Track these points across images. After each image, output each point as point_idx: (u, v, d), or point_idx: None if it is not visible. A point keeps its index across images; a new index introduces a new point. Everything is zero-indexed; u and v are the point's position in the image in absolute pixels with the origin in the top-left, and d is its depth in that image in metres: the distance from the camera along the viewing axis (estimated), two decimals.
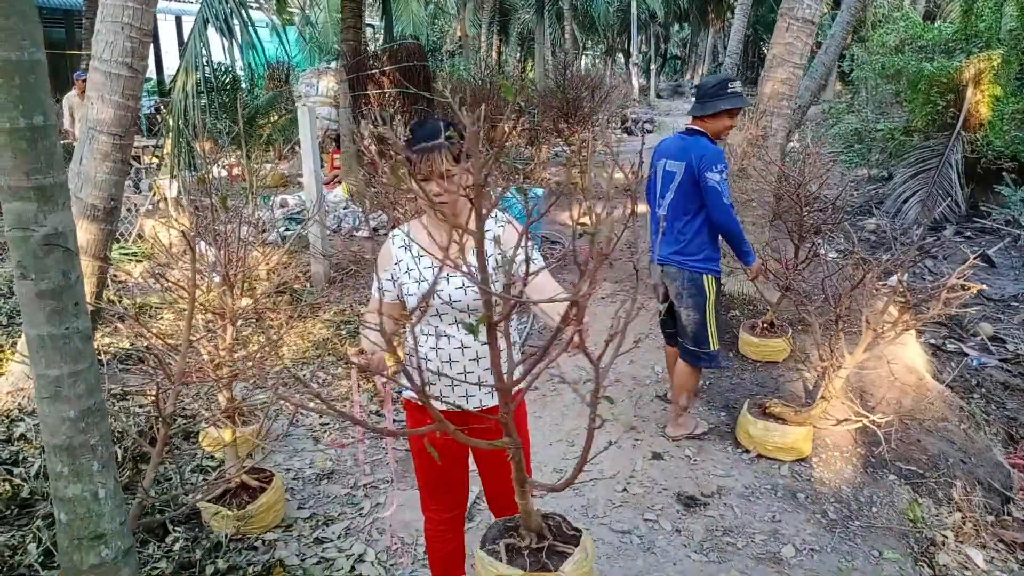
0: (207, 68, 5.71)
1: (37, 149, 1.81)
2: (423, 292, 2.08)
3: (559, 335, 1.59)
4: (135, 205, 7.47)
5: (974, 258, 3.50)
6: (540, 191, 8.13)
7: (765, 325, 5.00)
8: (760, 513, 3.44)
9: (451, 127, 2.06)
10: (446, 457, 2.27)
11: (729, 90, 3.72)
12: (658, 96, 32.25)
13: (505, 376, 1.62)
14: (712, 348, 3.86)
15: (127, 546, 2.10)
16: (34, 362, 1.93)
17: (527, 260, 1.56)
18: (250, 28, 5.81)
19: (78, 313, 1.93)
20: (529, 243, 2.11)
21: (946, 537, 3.43)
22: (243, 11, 5.70)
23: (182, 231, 2.72)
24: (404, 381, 2.38)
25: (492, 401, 2.25)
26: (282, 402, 4.23)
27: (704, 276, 3.78)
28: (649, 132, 18.12)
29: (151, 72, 17.69)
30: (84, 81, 9.84)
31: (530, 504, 1.83)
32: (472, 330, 1.40)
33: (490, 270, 2.12)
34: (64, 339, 1.91)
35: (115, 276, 5.84)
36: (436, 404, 2.13)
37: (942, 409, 4.42)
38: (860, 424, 3.69)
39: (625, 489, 3.62)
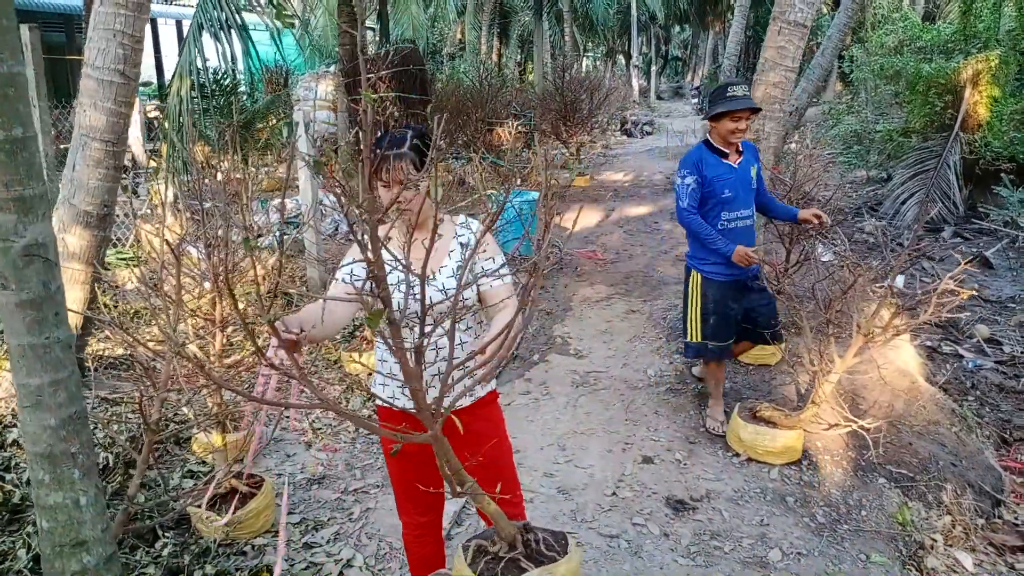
0: (202, 73, 5.73)
1: (16, 161, 1.82)
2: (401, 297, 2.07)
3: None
4: (132, 209, 7.50)
5: (966, 262, 3.50)
6: (534, 195, 8.14)
7: None
8: (748, 517, 3.44)
9: (421, 135, 2.11)
10: (418, 461, 2.29)
11: (728, 94, 3.82)
12: (658, 98, 32.29)
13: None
14: (688, 338, 4.16)
15: (109, 553, 2.11)
16: (15, 371, 1.95)
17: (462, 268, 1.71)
18: (245, 33, 5.83)
19: (59, 323, 1.95)
20: (499, 255, 2.18)
21: (935, 541, 3.44)
22: (238, 16, 5.71)
23: (166, 241, 2.74)
24: (377, 390, 2.39)
25: (467, 401, 2.26)
26: (272, 407, 4.25)
27: (691, 270, 4.08)
28: (648, 134, 18.13)
29: (152, 76, 17.75)
30: None
31: (494, 509, 1.83)
32: (370, 322, 1.40)
33: (452, 273, 2.18)
34: (45, 348, 1.93)
35: (112, 281, 5.87)
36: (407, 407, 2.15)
37: (934, 412, 4.42)
38: (850, 429, 3.69)
39: (614, 493, 3.63)
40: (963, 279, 3.38)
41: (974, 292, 3.81)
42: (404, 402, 2.23)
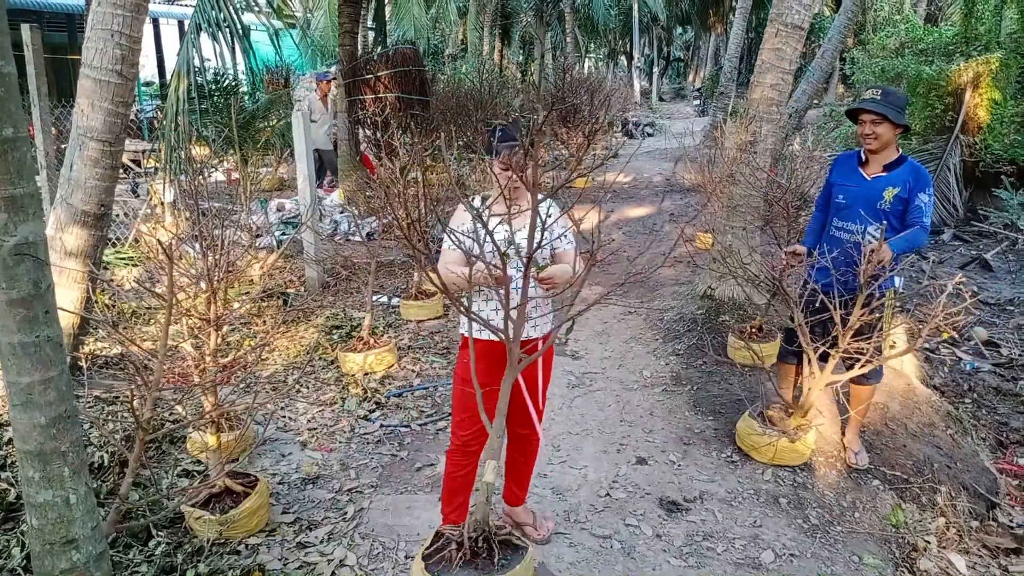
0: (200, 73, 5.74)
1: (7, 161, 1.83)
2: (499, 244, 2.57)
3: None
4: (132, 209, 7.52)
5: (971, 300, 3.36)
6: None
7: (754, 330, 5.00)
8: (741, 518, 3.45)
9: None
10: (485, 390, 2.68)
11: (860, 97, 3.86)
12: (660, 99, 32.28)
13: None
14: None
15: (99, 550, 2.12)
16: (5, 369, 1.96)
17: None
18: (244, 34, 5.84)
19: (49, 321, 1.96)
20: (568, 224, 2.92)
21: (928, 542, 3.44)
22: (237, 16, 5.73)
23: (159, 241, 2.75)
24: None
25: (536, 333, 2.89)
26: (268, 406, 4.26)
27: None
28: (650, 136, 18.13)
29: (154, 76, 17.79)
30: (327, 82, 10.30)
31: (481, 500, 1.96)
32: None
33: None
34: (35, 347, 1.94)
35: (110, 280, 5.88)
36: (493, 337, 2.71)
37: (929, 414, 4.42)
38: (840, 432, 3.69)
39: (608, 494, 3.63)
40: (961, 310, 3.29)
41: (954, 335, 3.77)
42: (489, 334, 2.76)
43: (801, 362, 3.96)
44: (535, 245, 2.35)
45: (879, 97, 3.62)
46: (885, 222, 3.57)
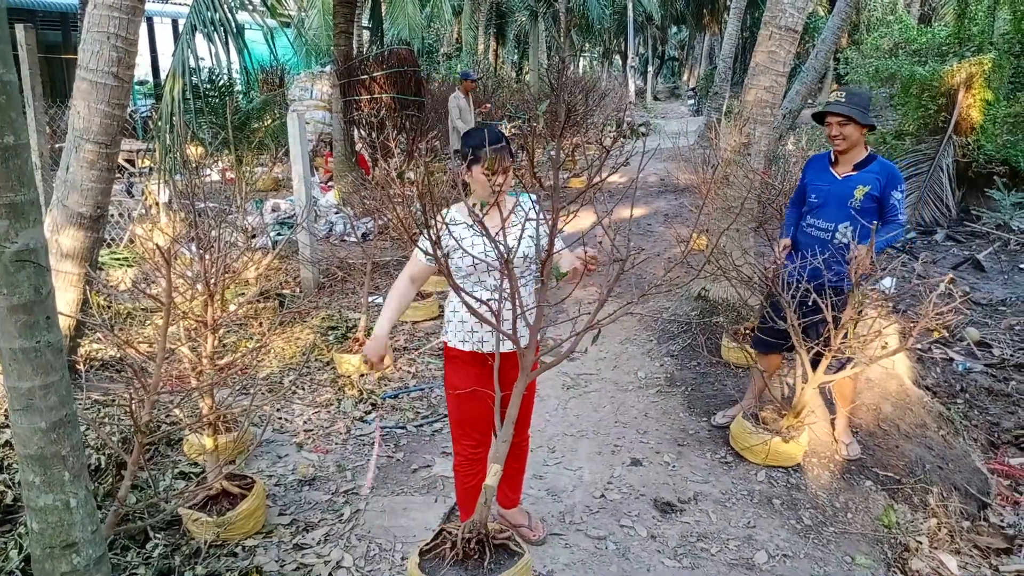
0: (195, 74, 5.74)
1: (8, 168, 1.85)
2: (486, 253, 2.66)
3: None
4: (128, 210, 7.51)
5: (962, 299, 3.42)
6: (532, 196, 8.16)
7: (748, 331, 5.03)
8: (735, 519, 3.48)
9: (502, 135, 2.78)
10: (476, 398, 2.78)
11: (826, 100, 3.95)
12: (655, 99, 32.34)
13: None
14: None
15: (99, 554, 2.14)
16: (6, 374, 1.97)
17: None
18: (239, 34, 5.84)
19: (49, 327, 1.97)
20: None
21: (920, 543, 3.47)
22: (232, 16, 5.73)
23: (156, 245, 2.76)
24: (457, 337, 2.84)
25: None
26: (264, 408, 4.27)
27: None
28: (644, 136, 18.16)
29: (149, 75, 17.74)
30: (472, 81, 10.42)
31: (480, 503, 1.99)
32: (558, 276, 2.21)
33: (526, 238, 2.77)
34: (36, 352, 1.96)
35: (106, 282, 5.88)
36: (479, 348, 2.78)
37: (921, 415, 4.46)
38: (832, 435, 3.72)
39: (603, 495, 3.66)
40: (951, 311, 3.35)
41: (945, 333, 3.83)
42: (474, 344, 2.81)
43: (780, 351, 4.08)
44: (545, 248, 2.40)
45: (843, 99, 3.74)
46: (853, 223, 3.68)
